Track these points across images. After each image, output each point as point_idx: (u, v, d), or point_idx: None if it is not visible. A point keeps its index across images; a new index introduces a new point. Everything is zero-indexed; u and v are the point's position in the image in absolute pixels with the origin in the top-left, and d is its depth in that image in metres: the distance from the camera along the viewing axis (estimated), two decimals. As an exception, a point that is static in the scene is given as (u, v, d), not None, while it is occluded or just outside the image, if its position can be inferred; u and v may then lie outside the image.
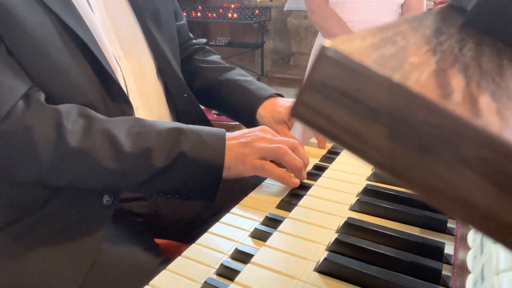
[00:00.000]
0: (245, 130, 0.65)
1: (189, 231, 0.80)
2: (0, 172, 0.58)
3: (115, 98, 0.64)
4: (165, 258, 0.64)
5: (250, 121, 0.82)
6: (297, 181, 0.61)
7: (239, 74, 0.87)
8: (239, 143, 0.61)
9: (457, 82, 0.20)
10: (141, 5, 0.73)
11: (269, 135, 0.63)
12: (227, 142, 0.61)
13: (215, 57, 0.93)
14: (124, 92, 0.65)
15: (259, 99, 0.81)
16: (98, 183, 0.59)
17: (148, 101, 0.74)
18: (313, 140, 0.81)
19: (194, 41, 0.97)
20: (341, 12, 1.52)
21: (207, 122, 0.83)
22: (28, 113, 0.54)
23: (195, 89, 0.88)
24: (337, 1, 1.54)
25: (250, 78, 0.87)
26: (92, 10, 0.64)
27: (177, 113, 0.81)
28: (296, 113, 0.19)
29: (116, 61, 0.67)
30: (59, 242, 0.60)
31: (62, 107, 0.57)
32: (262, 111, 0.80)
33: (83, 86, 0.61)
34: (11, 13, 0.54)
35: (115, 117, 0.61)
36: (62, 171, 0.56)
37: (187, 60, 0.92)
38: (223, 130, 0.62)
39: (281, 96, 0.84)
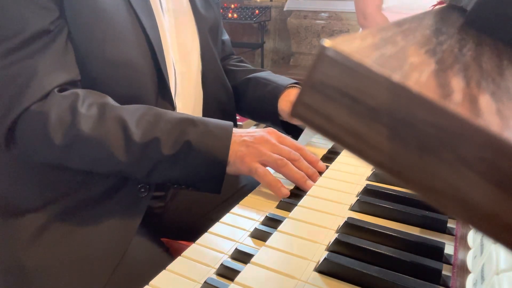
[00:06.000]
0: (252, 129, 0.65)
1: (193, 231, 0.80)
2: (19, 153, 0.62)
3: (164, 96, 0.69)
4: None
5: (275, 117, 0.80)
6: (286, 192, 0.59)
7: (267, 73, 0.88)
8: (242, 141, 0.61)
9: (457, 82, 0.20)
10: (203, 16, 0.78)
11: (274, 139, 0.63)
12: (232, 138, 0.61)
13: (247, 64, 0.95)
14: (170, 93, 0.69)
15: (281, 88, 0.79)
16: (109, 168, 0.61)
17: (187, 105, 0.76)
18: (313, 140, 0.81)
19: (235, 56, 0.99)
20: (393, 19, 1.53)
21: None
22: (49, 99, 0.58)
23: None
24: (387, 7, 1.54)
25: (277, 75, 0.86)
26: (163, 15, 0.70)
27: None
28: (296, 113, 0.19)
29: (173, 64, 0.71)
30: (93, 231, 0.62)
31: (80, 91, 0.60)
32: (282, 102, 0.78)
33: (144, 81, 0.65)
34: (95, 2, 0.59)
35: None
36: (73, 155, 0.59)
37: None
38: (230, 123, 0.63)
39: None
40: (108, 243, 0.62)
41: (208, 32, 0.79)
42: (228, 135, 0.60)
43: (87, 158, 0.59)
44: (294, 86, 0.81)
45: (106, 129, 0.58)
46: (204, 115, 0.81)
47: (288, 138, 0.65)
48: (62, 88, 0.60)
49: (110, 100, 0.61)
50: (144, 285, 0.41)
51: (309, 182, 0.60)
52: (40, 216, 0.62)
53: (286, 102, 0.78)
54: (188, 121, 0.60)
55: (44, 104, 0.57)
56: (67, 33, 0.60)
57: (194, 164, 0.60)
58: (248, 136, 0.62)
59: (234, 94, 0.87)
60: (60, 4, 0.59)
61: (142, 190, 0.65)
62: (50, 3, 0.58)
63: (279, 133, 0.65)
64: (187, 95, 0.76)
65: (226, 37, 0.94)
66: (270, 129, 0.65)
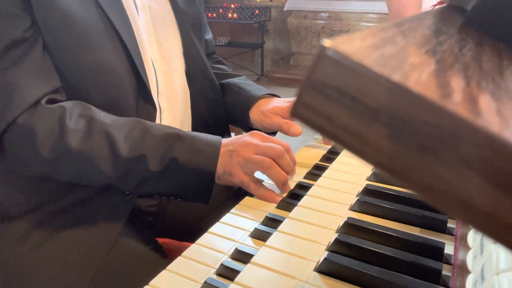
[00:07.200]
0: (236, 136, 0.65)
1: (192, 231, 0.80)
2: (7, 165, 0.61)
3: (144, 98, 0.67)
4: (169, 258, 0.65)
5: (245, 124, 0.82)
6: (278, 199, 0.59)
7: (241, 79, 0.87)
8: (227, 152, 0.61)
9: (457, 82, 0.20)
10: (184, 11, 0.76)
11: (257, 139, 0.62)
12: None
13: (224, 66, 0.94)
14: (151, 94, 0.68)
15: (252, 99, 0.80)
16: (97, 181, 0.62)
17: (173, 105, 0.75)
18: (312, 142, 0.81)
19: (215, 55, 0.98)
20: None
21: (228, 134, 0.85)
22: (37, 112, 0.57)
23: None
24: (427, 7, 1.53)
25: (251, 82, 0.87)
26: (138, 13, 0.68)
27: (201, 119, 0.81)
28: (296, 113, 0.19)
29: (153, 64, 0.70)
30: (77, 232, 0.62)
31: (67, 104, 0.59)
32: (254, 113, 0.79)
33: (122, 84, 0.64)
34: (59, 5, 0.57)
35: (142, 116, 0.64)
36: (61, 168, 0.59)
37: None
38: (219, 138, 0.62)
39: (277, 97, 0.83)
40: (91, 244, 0.62)
41: (190, 27, 0.77)
42: (216, 151, 0.60)
43: (75, 171, 0.60)
44: (266, 97, 0.81)
45: (93, 144, 0.58)
46: (193, 114, 0.80)
47: (272, 137, 0.64)
48: (49, 98, 0.59)
49: (95, 112, 0.61)
50: (144, 285, 0.41)
51: (287, 185, 0.61)
52: (26, 220, 0.62)
53: (257, 113, 0.78)
54: (174, 137, 0.60)
55: (32, 117, 0.57)
56: (43, 40, 0.59)
57: (181, 180, 0.60)
58: (231, 145, 0.61)
59: None
60: (30, 12, 0.57)
61: (127, 192, 0.65)
62: (20, 12, 0.57)
63: (263, 133, 0.64)
64: (172, 95, 0.75)
65: (209, 36, 0.92)
66: (254, 131, 0.65)
